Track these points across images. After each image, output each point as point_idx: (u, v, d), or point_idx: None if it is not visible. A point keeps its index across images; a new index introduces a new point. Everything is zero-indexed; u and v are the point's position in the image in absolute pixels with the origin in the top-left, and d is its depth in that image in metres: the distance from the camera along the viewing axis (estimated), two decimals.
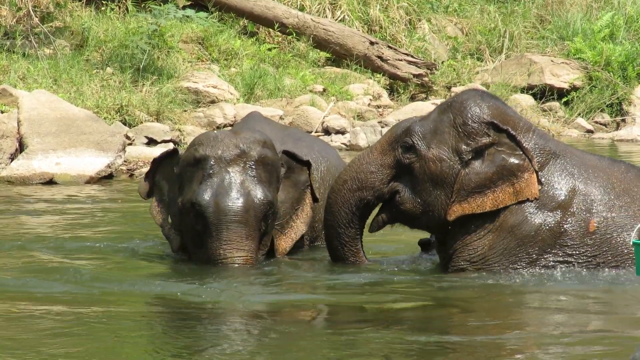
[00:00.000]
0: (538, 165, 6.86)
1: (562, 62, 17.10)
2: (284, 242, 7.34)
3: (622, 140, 16.17)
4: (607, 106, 16.88)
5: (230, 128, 12.05)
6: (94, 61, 14.24)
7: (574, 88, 16.86)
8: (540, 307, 6.42)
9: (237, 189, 7.01)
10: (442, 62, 17.09)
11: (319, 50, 16.28)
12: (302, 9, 16.59)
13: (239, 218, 6.96)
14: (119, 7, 15.43)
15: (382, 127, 14.47)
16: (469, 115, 6.87)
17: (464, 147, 6.85)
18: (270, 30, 16.16)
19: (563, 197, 6.86)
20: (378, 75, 16.21)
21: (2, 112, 11.76)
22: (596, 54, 17.04)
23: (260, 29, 16.31)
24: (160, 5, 15.08)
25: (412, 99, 16.36)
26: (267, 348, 5.43)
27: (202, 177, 7.04)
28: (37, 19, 14.26)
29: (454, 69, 17.07)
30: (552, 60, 17.13)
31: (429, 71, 16.46)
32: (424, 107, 14.69)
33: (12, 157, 11.36)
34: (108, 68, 14.03)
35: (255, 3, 15.98)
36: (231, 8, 15.96)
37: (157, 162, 7.37)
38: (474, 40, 17.91)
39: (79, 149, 11.45)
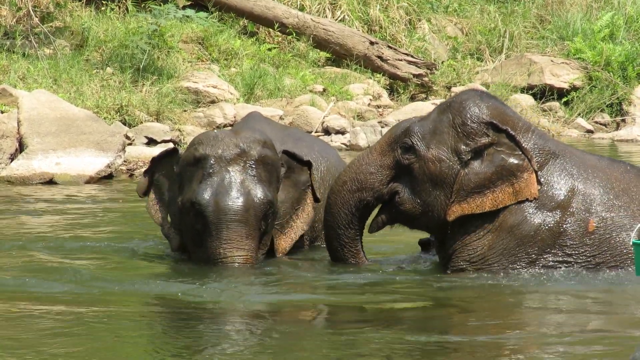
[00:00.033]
0: (537, 165, 6.86)
1: (562, 62, 17.10)
2: (284, 242, 7.34)
3: (622, 140, 16.17)
4: (607, 106, 16.88)
5: (230, 128, 12.05)
6: (94, 61, 14.24)
7: (574, 88, 16.86)
8: (540, 307, 6.43)
9: (237, 188, 7.01)
10: (442, 62, 17.09)
11: (319, 50, 16.28)
12: (302, 9, 16.59)
13: (239, 217, 6.96)
14: (119, 7, 15.43)
15: (382, 127, 14.47)
16: (468, 116, 6.87)
17: (463, 147, 6.86)
18: (270, 30, 16.16)
19: (562, 197, 6.87)
20: (378, 75, 16.21)
21: (2, 112, 11.76)
22: (596, 54, 17.04)
23: (260, 29, 16.31)
24: (160, 5, 15.08)
25: (412, 99, 16.36)
26: (267, 348, 5.43)
27: (202, 176, 7.04)
28: (37, 19, 14.26)
29: (454, 69, 17.07)
30: (552, 60, 17.12)
31: (429, 71, 16.46)
32: (424, 107, 14.69)
33: (12, 157, 11.36)
34: (108, 68, 14.04)
35: (255, 3, 15.98)
36: (231, 8, 15.96)
37: (156, 161, 7.37)
38: (474, 40, 17.91)
39: (78, 149, 11.45)
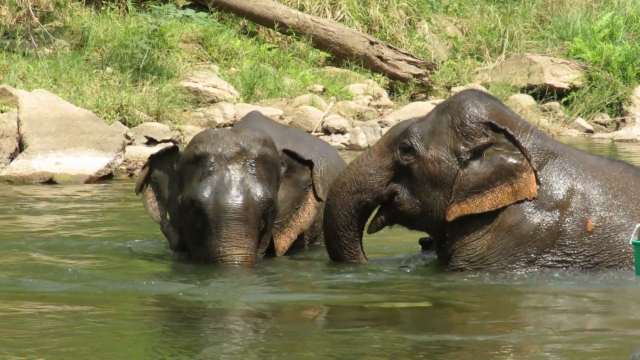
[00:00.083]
0: (536, 165, 6.86)
1: (562, 62, 17.10)
2: (284, 241, 7.34)
3: (622, 140, 16.17)
4: (607, 106, 16.88)
5: (230, 128, 12.06)
6: (94, 61, 14.24)
7: (574, 88, 16.86)
8: (540, 306, 6.42)
9: (237, 187, 7.02)
10: (442, 62, 17.09)
11: (318, 50, 16.28)
12: (302, 8, 16.59)
13: (239, 216, 6.96)
14: (119, 7, 15.43)
15: (382, 127, 14.47)
16: (467, 116, 6.88)
17: (462, 147, 6.86)
18: (270, 30, 16.16)
19: (561, 197, 6.87)
20: (378, 75, 16.21)
21: (2, 112, 11.76)
22: (596, 54, 17.04)
23: (260, 28, 16.31)
24: (160, 5, 15.08)
25: (412, 98, 16.36)
26: (268, 348, 5.43)
27: (202, 175, 7.04)
28: (37, 18, 14.26)
29: (454, 69, 17.07)
30: (552, 60, 17.12)
31: (428, 71, 16.46)
32: (424, 107, 14.69)
33: (12, 157, 11.36)
34: (108, 68, 14.04)
35: (255, 3, 15.99)
36: (231, 8, 15.96)
37: (154, 158, 7.37)
38: (474, 40, 17.91)
39: (78, 149, 11.45)
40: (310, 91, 15.29)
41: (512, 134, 6.85)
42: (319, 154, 7.81)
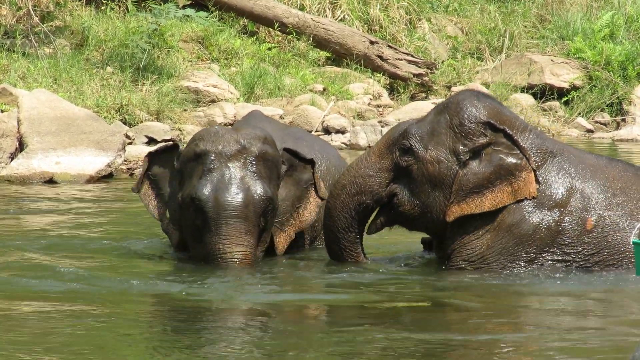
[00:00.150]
0: (535, 164, 6.86)
1: (562, 62, 17.10)
2: (284, 240, 7.34)
3: (622, 139, 16.17)
4: (607, 106, 16.88)
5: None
6: (94, 60, 14.25)
7: (574, 87, 16.85)
8: (539, 306, 6.43)
9: (237, 184, 7.02)
10: (442, 62, 17.09)
11: (319, 50, 16.28)
12: (302, 8, 16.59)
13: (239, 213, 6.97)
14: (119, 7, 15.43)
15: (382, 126, 14.47)
16: (466, 116, 6.88)
17: (461, 147, 6.86)
18: (271, 29, 16.16)
19: (560, 196, 6.87)
20: (378, 75, 16.21)
21: (2, 112, 11.76)
22: (596, 53, 17.04)
23: (261, 28, 16.31)
24: (160, 4, 15.08)
25: (412, 98, 16.36)
26: (269, 347, 5.44)
27: (202, 172, 7.05)
28: (37, 18, 14.26)
29: (454, 69, 17.07)
30: (552, 60, 17.12)
31: (429, 71, 16.46)
32: (424, 106, 14.69)
33: (12, 157, 11.36)
34: (108, 67, 14.04)
35: (256, 2, 15.99)
36: (231, 7, 15.96)
37: (153, 155, 7.37)
38: (474, 40, 17.91)
39: (79, 148, 11.45)
40: (311, 91, 15.29)
41: (511, 133, 6.86)
42: (320, 154, 7.80)
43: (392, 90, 16.36)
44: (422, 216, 6.94)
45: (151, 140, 12.93)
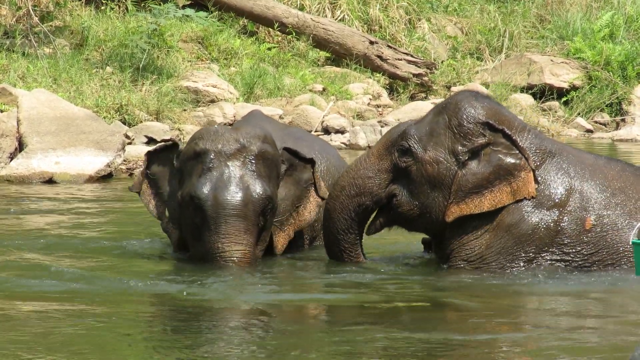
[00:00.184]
0: (534, 164, 6.87)
1: (562, 62, 17.11)
2: (283, 239, 7.34)
3: (621, 139, 16.17)
4: (606, 106, 16.88)
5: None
6: (94, 60, 14.25)
7: (574, 88, 16.86)
8: (539, 306, 6.43)
9: (236, 183, 7.02)
10: (442, 62, 17.09)
11: (318, 50, 16.28)
12: (301, 8, 16.59)
13: (238, 212, 6.97)
14: (119, 7, 15.44)
15: (382, 126, 14.47)
16: (464, 117, 6.88)
17: (460, 148, 6.86)
18: (270, 29, 16.16)
19: (559, 196, 6.88)
20: (378, 75, 16.22)
21: (2, 111, 11.76)
22: (596, 53, 17.04)
23: (260, 28, 16.31)
24: (159, 4, 15.08)
25: (412, 98, 16.36)
26: (269, 347, 5.44)
27: (202, 171, 7.05)
28: (36, 18, 14.27)
29: (454, 69, 17.07)
30: (551, 60, 17.13)
31: (428, 71, 16.46)
32: (424, 106, 14.69)
33: (12, 156, 11.36)
34: (108, 67, 14.04)
35: (255, 2, 15.99)
36: (231, 7, 15.96)
37: (152, 154, 7.38)
38: (474, 40, 17.91)
39: (78, 148, 11.45)
40: (310, 91, 15.29)
41: (509, 133, 6.86)
42: (320, 154, 7.81)
43: (391, 90, 16.37)
44: (421, 217, 6.94)
45: (151, 140, 12.93)
